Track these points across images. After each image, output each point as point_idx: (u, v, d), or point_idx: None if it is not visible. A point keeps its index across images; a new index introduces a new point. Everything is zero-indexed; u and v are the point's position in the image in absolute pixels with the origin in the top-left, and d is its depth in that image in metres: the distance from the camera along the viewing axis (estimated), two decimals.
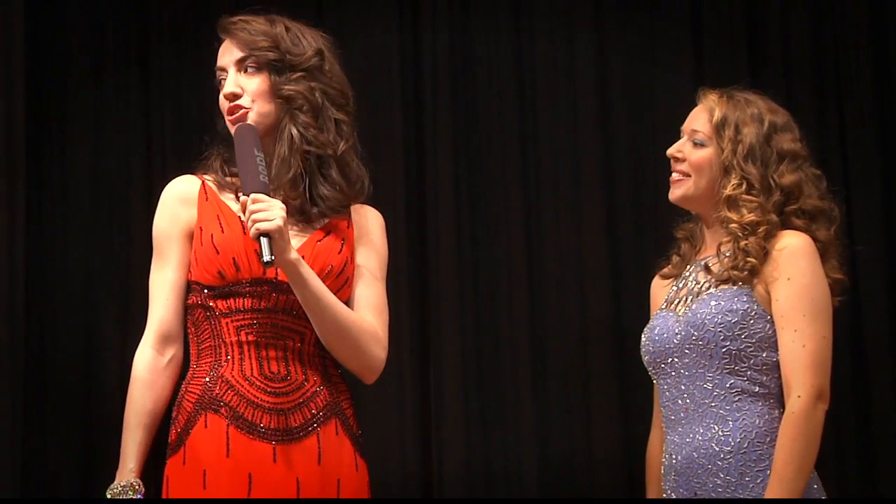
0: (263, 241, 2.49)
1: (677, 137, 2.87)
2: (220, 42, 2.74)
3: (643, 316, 2.97)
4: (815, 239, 2.73)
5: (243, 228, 2.62)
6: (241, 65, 2.70)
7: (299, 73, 2.69)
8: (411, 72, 4.52)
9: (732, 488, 2.67)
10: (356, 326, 2.65)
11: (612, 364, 4.19)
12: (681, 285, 2.85)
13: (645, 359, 2.85)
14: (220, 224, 2.68)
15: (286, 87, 2.68)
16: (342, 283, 2.68)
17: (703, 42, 4.44)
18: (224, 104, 2.71)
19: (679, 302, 2.80)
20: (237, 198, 2.65)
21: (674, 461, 2.75)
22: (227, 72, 2.72)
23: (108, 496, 2.63)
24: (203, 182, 2.74)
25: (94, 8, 4.56)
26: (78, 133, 4.54)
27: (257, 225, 2.50)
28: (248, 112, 2.68)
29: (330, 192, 2.70)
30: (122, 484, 2.61)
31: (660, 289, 2.96)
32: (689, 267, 2.87)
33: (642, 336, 2.87)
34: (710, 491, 2.70)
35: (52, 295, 4.44)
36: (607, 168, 4.39)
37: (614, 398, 4.18)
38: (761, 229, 2.71)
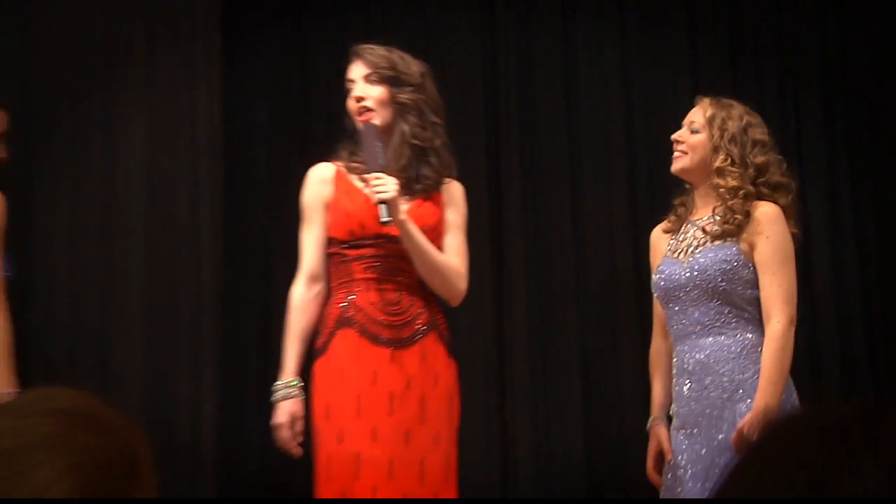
0: (382, 206, 3.29)
1: None
2: (348, 62, 3.54)
3: None
4: (779, 205, 3.49)
5: (365, 199, 3.44)
6: (366, 78, 3.49)
7: (410, 88, 3.48)
8: (489, 79, 5.10)
9: (735, 381, 3.39)
10: (446, 266, 3.46)
11: None
12: (680, 239, 3.55)
13: (657, 292, 3.57)
14: (350, 197, 3.49)
15: (401, 96, 3.47)
16: (436, 235, 3.46)
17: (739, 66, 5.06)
18: (353, 106, 3.49)
19: (681, 252, 3.52)
20: (360, 178, 3.48)
21: (685, 366, 3.45)
22: (355, 83, 3.50)
23: (275, 391, 3.42)
24: (336, 167, 3.56)
25: None
26: None
27: (378, 195, 3.30)
28: (373, 113, 3.47)
29: (429, 172, 3.50)
30: (285, 381, 3.41)
31: (660, 239, 3.67)
32: (685, 226, 3.57)
33: (654, 276, 3.58)
34: (718, 381, 3.40)
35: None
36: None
37: None
38: (741, 192, 3.45)
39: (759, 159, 3.52)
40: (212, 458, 4.47)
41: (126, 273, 4.48)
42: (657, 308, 3.69)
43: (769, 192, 3.53)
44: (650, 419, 3.63)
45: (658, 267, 3.61)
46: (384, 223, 3.32)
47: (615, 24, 5.12)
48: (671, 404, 3.57)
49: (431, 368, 3.45)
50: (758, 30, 5.13)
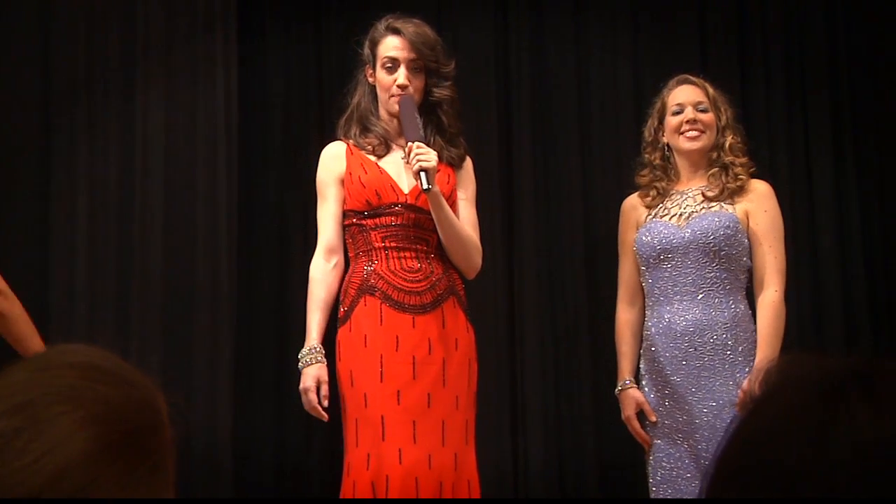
0: (423, 174, 3.37)
1: None
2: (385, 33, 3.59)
3: None
4: (753, 175, 3.67)
5: (379, 170, 3.55)
6: (411, 63, 3.56)
7: (447, 83, 3.60)
8: (502, 72, 5.19)
9: (721, 347, 3.52)
10: (469, 240, 3.56)
11: None
12: (670, 206, 3.67)
13: (643, 252, 3.67)
14: (364, 169, 3.58)
15: (437, 91, 3.60)
16: (451, 204, 3.55)
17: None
18: (391, 87, 3.55)
19: (675, 216, 3.64)
20: (373, 151, 3.57)
21: (676, 325, 3.55)
22: (398, 63, 3.56)
23: (300, 358, 3.48)
24: (347, 144, 3.65)
25: None
26: None
27: (421, 163, 3.37)
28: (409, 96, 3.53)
29: (452, 151, 3.61)
30: (309, 348, 3.49)
31: (634, 209, 3.79)
32: (672, 195, 3.70)
33: (640, 237, 3.68)
34: (706, 344, 3.52)
35: None
36: None
37: None
38: (750, 168, 3.67)
39: (738, 126, 3.77)
40: (228, 464, 4.52)
41: (144, 272, 4.54)
42: (628, 275, 3.79)
43: (746, 162, 3.73)
44: (620, 383, 3.73)
45: (645, 229, 3.71)
46: (426, 191, 3.41)
47: (627, 12, 5.21)
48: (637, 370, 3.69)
49: (452, 333, 3.54)
50: (766, 16, 5.21)
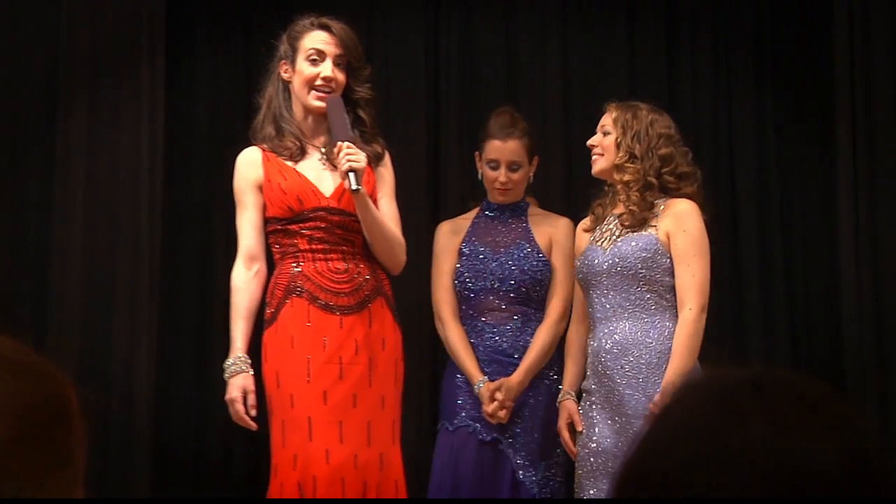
0: (351, 175, 3.38)
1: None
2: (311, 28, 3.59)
3: None
4: (683, 194, 3.70)
5: (298, 176, 3.54)
6: (337, 58, 3.58)
7: (368, 84, 3.64)
8: (432, 67, 5.13)
9: (650, 365, 3.59)
10: (393, 237, 3.59)
11: None
12: (603, 229, 3.76)
13: (579, 276, 3.78)
14: (283, 175, 3.57)
15: (357, 89, 3.63)
16: (373, 202, 3.55)
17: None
18: (315, 78, 3.55)
19: (603, 241, 3.72)
20: (290, 156, 3.56)
21: (605, 344, 3.63)
22: (325, 56, 3.56)
23: (225, 368, 3.49)
24: (263, 150, 3.62)
25: None
26: None
27: (351, 163, 3.39)
28: (333, 93, 3.55)
29: (371, 149, 3.60)
30: (234, 358, 3.49)
31: (580, 236, 3.88)
32: (607, 219, 3.77)
33: (576, 261, 3.81)
34: (634, 364, 3.59)
35: None
36: None
37: None
38: (637, 186, 3.67)
39: (664, 151, 3.73)
40: (147, 425, 4.48)
41: (63, 272, 4.47)
42: (577, 295, 3.90)
43: (675, 181, 3.74)
44: (561, 394, 3.84)
45: (582, 254, 3.82)
46: (355, 192, 3.42)
47: (558, 4, 5.20)
48: (582, 382, 3.78)
49: (378, 333, 3.57)
50: (695, 11, 5.23)
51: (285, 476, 3.41)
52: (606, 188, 3.84)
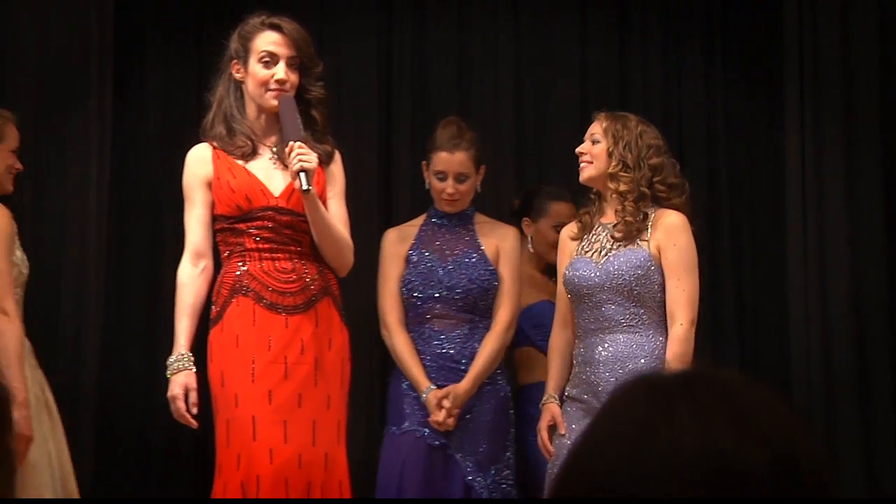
0: (302, 175, 3.37)
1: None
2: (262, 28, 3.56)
3: None
4: (672, 205, 3.71)
5: (247, 175, 3.53)
6: (290, 59, 3.55)
7: (320, 84, 3.62)
8: (384, 65, 5.12)
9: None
10: (342, 238, 3.57)
11: None
12: (592, 239, 3.75)
13: (568, 288, 3.76)
14: (232, 173, 3.56)
15: (310, 88, 3.60)
16: (322, 202, 3.54)
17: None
18: (269, 81, 3.53)
19: (594, 252, 3.72)
20: (241, 155, 3.55)
21: (597, 356, 3.65)
22: (278, 58, 3.53)
23: (168, 366, 3.47)
24: (213, 147, 3.60)
25: None
26: None
27: (302, 163, 3.37)
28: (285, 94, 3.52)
29: (321, 148, 3.57)
30: (177, 355, 3.47)
31: (566, 243, 3.85)
32: (596, 227, 3.77)
33: (566, 272, 3.76)
34: (626, 375, 3.53)
35: None
36: None
37: None
38: (633, 195, 3.68)
39: (654, 161, 3.74)
40: (92, 422, 4.46)
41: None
42: (561, 302, 3.88)
43: (665, 190, 3.76)
44: (545, 397, 3.82)
45: (570, 264, 3.80)
46: (305, 192, 3.40)
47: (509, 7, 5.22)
48: (564, 387, 3.78)
49: (325, 333, 3.55)
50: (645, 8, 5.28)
51: (229, 475, 3.39)
52: (592, 196, 3.84)
